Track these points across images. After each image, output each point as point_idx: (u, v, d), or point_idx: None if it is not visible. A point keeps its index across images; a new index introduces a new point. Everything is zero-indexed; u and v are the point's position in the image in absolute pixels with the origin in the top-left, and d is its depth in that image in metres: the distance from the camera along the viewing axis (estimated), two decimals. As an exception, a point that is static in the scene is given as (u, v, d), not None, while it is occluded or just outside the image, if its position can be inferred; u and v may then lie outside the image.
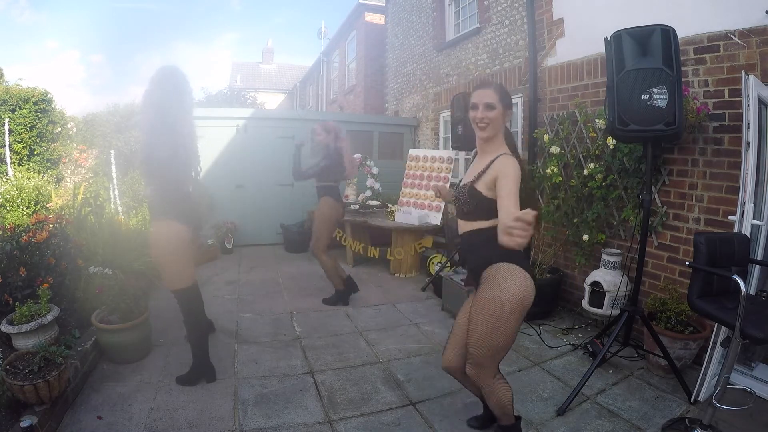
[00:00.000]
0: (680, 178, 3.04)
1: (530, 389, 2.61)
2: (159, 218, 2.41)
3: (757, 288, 2.59)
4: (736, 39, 2.62)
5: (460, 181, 1.95)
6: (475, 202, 1.77)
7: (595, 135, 3.57)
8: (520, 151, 2.00)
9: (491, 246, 1.65)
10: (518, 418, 2.00)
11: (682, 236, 3.03)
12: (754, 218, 2.40)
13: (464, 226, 1.85)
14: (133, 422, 2.16)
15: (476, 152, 1.95)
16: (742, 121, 2.40)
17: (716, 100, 2.77)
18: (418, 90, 7.21)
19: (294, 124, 6.37)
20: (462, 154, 5.90)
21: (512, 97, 5.07)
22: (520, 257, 1.75)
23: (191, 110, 2.57)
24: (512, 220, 1.34)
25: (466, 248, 1.89)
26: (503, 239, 1.38)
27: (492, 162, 1.76)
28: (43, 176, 5.73)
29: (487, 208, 1.74)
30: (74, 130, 6.63)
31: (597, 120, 3.45)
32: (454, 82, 6.05)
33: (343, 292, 4.04)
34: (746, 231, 2.35)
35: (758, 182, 2.49)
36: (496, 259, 1.73)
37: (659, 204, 3.16)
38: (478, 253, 1.81)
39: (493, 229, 1.63)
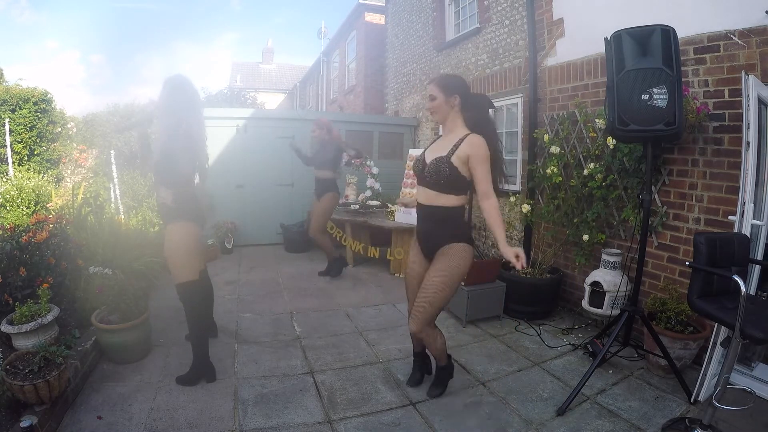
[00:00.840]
0: (680, 178, 3.04)
1: (530, 389, 2.61)
2: (176, 221, 2.49)
3: (757, 288, 2.59)
4: (736, 39, 2.62)
5: (423, 155, 2.23)
6: (452, 177, 2.06)
7: (595, 135, 3.57)
8: (491, 115, 2.38)
9: (456, 225, 2.16)
10: (449, 357, 2.49)
11: (682, 236, 3.03)
12: (754, 218, 2.40)
13: (431, 199, 2.14)
14: (133, 422, 2.16)
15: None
16: (742, 121, 2.40)
17: (716, 100, 2.77)
18: (418, 90, 7.20)
19: (294, 124, 6.37)
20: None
21: (512, 97, 5.04)
22: (471, 236, 2.23)
23: (202, 114, 2.72)
24: (513, 256, 1.93)
25: (430, 219, 2.19)
26: (508, 253, 1.95)
27: (461, 140, 2.08)
28: (43, 176, 5.74)
29: (459, 184, 2.09)
30: (74, 130, 6.63)
31: (597, 120, 3.45)
32: (454, 82, 6.04)
33: (336, 260, 4.57)
34: (746, 231, 2.35)
35: (758, 182, 2.49)
36: (460, 238, 2.15)
37: (659, 204, 3.16)
38: (444, 229, 2.15)
39: (461, 208, 2.16)
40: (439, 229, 2.16)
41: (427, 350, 2.53)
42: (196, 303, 2.57)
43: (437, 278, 2.12)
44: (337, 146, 4.50)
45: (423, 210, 2.21)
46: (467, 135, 2.09)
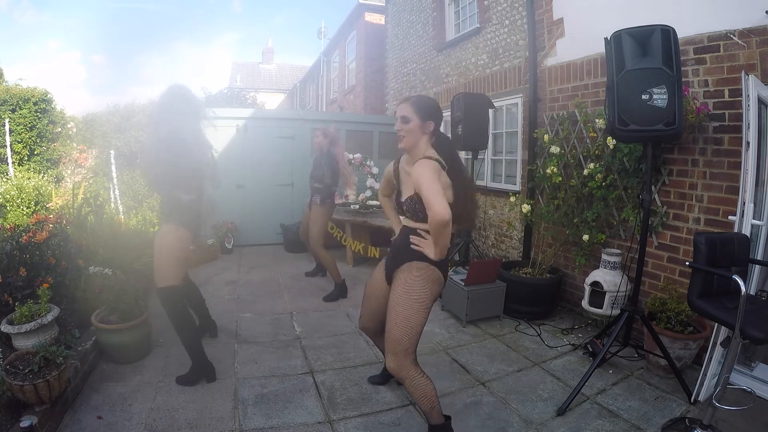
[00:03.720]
0: (680, 178, 3.04)
1: (530, 389, 2.61)
2: (166, 222, 2.52)
3: (757, 288, 2.59)
4: (736, 39, 2.62)
5: (400, 187, 2.05)
6: (423, 209, 1.82)
7: (595, 135, 3.57)
8: (462, 156, 2.11)
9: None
10: (448, 418, 2.00)
11: (682, 236, 3.03)
12: (754, 218, 2.40)
13: (411, 224, 1.96)
14: (133, 422, 2.16)
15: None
16: (742, 121, 2.40)
17: (716, 100, 2.77)
18: (418, 90, 7.20)
19: (294, 124, 6.37)
20: (462, 155, 5.91)
21: (512, 97, 5.02)
22: (444, 260, 1.96)
23: (200, 123, 2.72)
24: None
25: (403, 239, 1.99)
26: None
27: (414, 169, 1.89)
28: (43, 176, 5.75)
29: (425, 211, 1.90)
30: (74, 130, 6.64)
31: (597, 120, 3.45)
32: (454, 82, 6.05)
33: (342, 286, 4.18)
34: (746, 231, 2.35)
35: (758, 182, 2.49)
36: (416, 257, 1.91)
37: (659, 204, 3.16)
38: (409, 247, 1.95)
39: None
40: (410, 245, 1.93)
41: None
42: (178, 308, 2.56)
43: (398, 305, 1.89)
44: (331, 162, 4.10)
45: (404, 229, 2.02)
46: (418, 161, 1.84)
